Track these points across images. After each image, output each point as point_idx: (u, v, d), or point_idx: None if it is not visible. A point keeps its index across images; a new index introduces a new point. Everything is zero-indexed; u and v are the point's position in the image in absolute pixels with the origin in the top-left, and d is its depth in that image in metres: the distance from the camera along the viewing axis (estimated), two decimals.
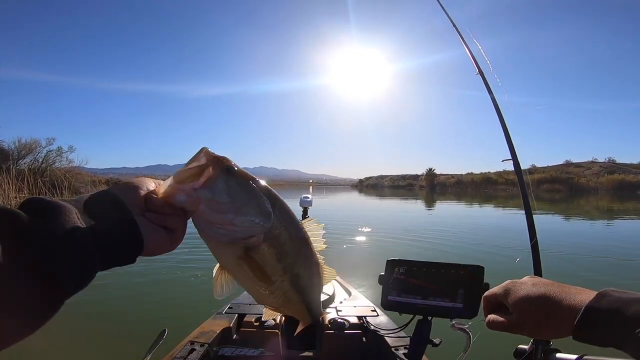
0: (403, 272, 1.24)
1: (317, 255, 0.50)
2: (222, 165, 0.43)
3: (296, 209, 3.19)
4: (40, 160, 19.18)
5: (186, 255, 6.97)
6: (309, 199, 3.17)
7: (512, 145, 1.02)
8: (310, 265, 0.49)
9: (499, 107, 1.19)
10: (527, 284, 0.57)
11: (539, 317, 0.53)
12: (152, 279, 5.26)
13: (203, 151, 0.44)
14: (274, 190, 0.47)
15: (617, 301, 0.45)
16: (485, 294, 0.66)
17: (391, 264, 1.24)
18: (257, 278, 0.44)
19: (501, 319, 0.60)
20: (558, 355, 0.89)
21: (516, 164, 1.01)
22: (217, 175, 0.43)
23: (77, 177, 18.78)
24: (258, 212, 0.44)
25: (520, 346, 1.03)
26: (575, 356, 0.84)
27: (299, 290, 0.48)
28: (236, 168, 0.45)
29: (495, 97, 1.21)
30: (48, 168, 18.35)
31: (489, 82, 1.26)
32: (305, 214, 3.17)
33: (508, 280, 0.62)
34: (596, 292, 0.48)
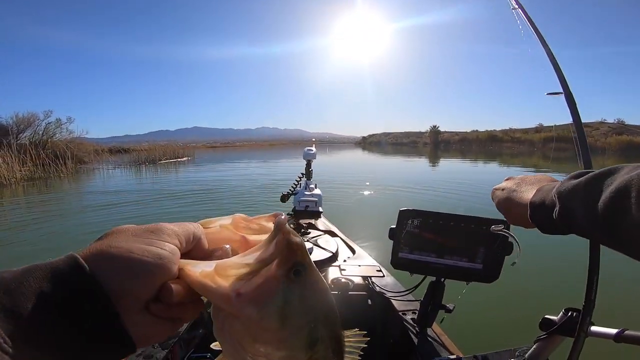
0: (417, 225, 1.09)
1: None
2: (292, 263, 0.29)
3: (300, 164, 3.11)
4: (41, 133, 19.20)
5: (182, 212, 6.99)
6: (313, 152, 3.10)
7: (562, 74, 0.82)
8: None
9: (541, 34, 0.99)
10: (499, 189, 0.66)
11: (510, 215, 0.64)
12: None
13: (280, 228, 0.29)
14: (332, 299, 0.33)
15: (543, 192, 0.53)
16: None
17: (404, 215, 1.10)
18: None
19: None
20: (593, 328, 0.77)
21: (568, 95, 0.80)
22: (279, 284, 0.28)
23: (80, 147, 19.04)
24: (303, 344, 0.30)
25: (547, 317, 0.91)
26: (615, 330, 0.75)
27: None
28: (308, 268, 0.30)
29: (537, 27, 1.00)
30: (49, 140, 18.43)
31: (528, 14, 1.05)
32: (308, 167, 3.08)
33: (493, 187, 0.71)
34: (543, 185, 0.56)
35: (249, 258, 0.30)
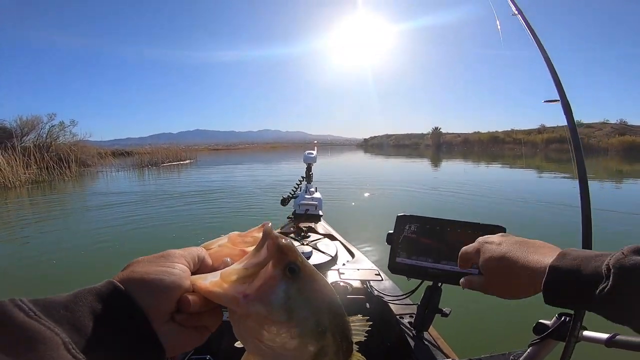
0: (414, 231, 1.11)
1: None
2: (285, 263, 0.34)
3: (302, 166, 3.12)
4: (44, 136, 19.21)
5: (186, 213, 6.99)
6: (313, 155, 3.10)
7: (559, 81, 0.83)
8: None
9: (541, 42, 1.00)
10: (494, 244, 0.56)
11: (504, 278, 0.53)
12: (144, 231, 5.32)
13: (267, 234, 0.35)
14: (332, 291, 0.38)
15: (577, 259, 0.43)
16: (460, 251, 0.63)
17: (402, 221, 1.12)
18: None
19: (474, 280, 0.59)
20: (585, 333, 0.79)
21: (565, 104, 0.81)
22: (278, 282, 0.34)
23: (83, 150, 18.93)
24: (314, 334, 0.35)
25: (541, 321, 0.93)
26: (606, 335, 0.76)
27: None
28: (301, 265, 0.35)
29: (537, 33, 1.02)
30: (53, 143, 18.45)
31: (528, 21, 1.07)
32: (309, 170, 3.09)
33: (480, 238, 0.60)
34: (559, 250, 0.47)
35: (247, 263, 0.35)
